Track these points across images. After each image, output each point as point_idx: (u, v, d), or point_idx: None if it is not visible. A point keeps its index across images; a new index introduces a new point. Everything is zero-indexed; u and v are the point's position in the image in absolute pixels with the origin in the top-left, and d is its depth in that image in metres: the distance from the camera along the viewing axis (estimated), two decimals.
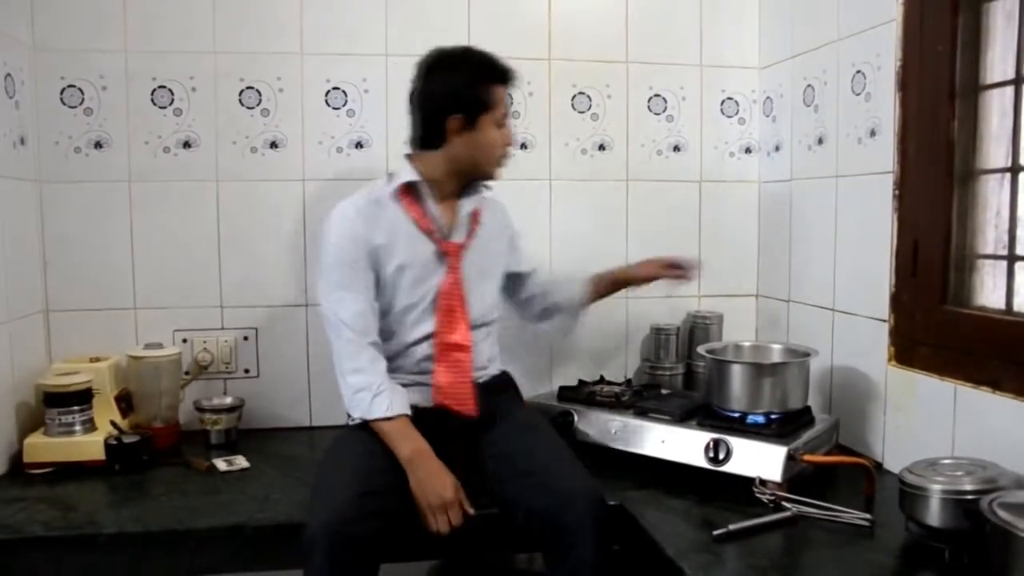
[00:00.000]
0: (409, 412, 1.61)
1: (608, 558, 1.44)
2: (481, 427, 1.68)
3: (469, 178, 1.73)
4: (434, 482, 1.50)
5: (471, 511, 1.52)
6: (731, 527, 1.40)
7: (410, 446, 1.55)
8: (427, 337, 1.69)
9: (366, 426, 1.61)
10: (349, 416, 1.66)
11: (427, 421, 1.61)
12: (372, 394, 1.59)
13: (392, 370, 1.68)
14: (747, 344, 1.98)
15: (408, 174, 1.69)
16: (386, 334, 1.69)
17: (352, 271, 1.64)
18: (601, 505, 1.47)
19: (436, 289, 1.69)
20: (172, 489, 1.68)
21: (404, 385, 1.67)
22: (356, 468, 1.50)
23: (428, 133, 1.68)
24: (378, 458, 1.54)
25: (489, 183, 1.78)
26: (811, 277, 2.10)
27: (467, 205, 1.74)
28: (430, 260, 1.69)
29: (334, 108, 2.14)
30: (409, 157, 1.73)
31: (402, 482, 1.51)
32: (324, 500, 1.42)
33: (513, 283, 1.93)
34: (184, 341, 2.10)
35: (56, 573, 1.47)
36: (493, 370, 1.81)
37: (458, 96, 1.65)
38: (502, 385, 1.82)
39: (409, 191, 1.69)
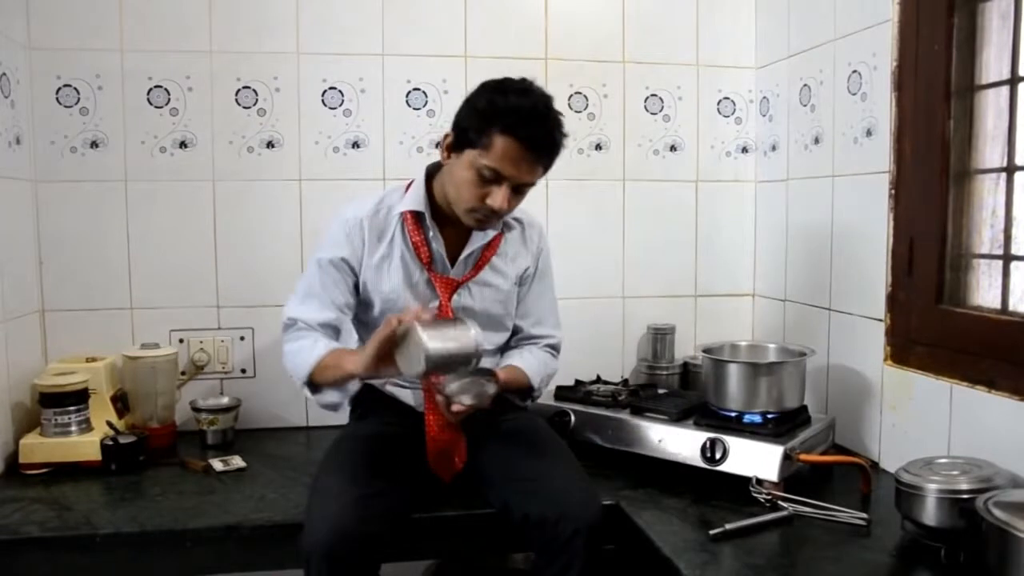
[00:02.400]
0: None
1: (599, 568, 1.43)
2: (483, 429, 1.66)
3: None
4: (376, 334, 1.37)
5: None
6: (728, 526, 1.40)
7: (351, 359, 1.45)
8: None
9: (365, 424, 1.60)
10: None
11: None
12: (309, 349, 1.53)
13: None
14: (744, 343, 1.98)
15: (412, 200, 1.59)
16: None
17: (332, 282, 1.60)
18: (597, 515, 1.44)
19: None
20: (168, 489, 1.68)
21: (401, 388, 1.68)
22: (354, 472, 1.48)
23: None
24: (377, 459, 1.52)
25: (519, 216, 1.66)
26: (807, 276, 2.10)
27: (481, 236, 1.62)
28: (424, 291, 1.62)
29: (331, 108, 2.13)
30: (430, 170, 1.64)
31: (402, 482, 1.50)
32: (322, 506, 1.39)
33: None
34: (180, 341, 2.10)
35: (52, 573, 1.47)
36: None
37: (461, 115, 1.51)
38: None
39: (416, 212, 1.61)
